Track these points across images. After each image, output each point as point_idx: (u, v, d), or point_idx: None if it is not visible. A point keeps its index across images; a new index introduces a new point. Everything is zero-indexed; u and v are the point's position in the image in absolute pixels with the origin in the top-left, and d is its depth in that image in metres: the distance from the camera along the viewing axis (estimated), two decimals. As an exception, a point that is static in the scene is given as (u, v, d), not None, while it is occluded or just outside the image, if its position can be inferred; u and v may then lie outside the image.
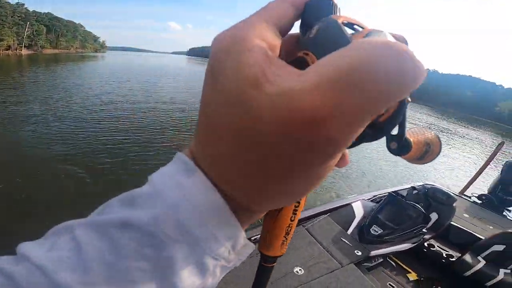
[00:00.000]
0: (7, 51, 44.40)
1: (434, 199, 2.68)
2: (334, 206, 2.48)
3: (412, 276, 2.35)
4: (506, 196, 3.54)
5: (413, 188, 2.86)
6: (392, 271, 2.38)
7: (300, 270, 1.63)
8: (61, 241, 0.15)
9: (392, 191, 2.80)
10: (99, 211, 0.16)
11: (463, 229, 2.74)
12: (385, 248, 2.12)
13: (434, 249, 2.51)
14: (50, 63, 26.23)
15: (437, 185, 3.30)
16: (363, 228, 2.18)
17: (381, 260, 2.27)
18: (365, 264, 2.12)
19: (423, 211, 2.28)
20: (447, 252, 2.49)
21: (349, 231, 2.17)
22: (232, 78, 0.13)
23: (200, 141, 0.15)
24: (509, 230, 2.40)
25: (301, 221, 2.10)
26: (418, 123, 20.55)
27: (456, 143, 15.48)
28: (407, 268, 2.45)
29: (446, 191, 2.85)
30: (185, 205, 0.14)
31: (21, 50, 47.93)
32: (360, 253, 1.94)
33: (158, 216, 0.14)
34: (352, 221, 2.27)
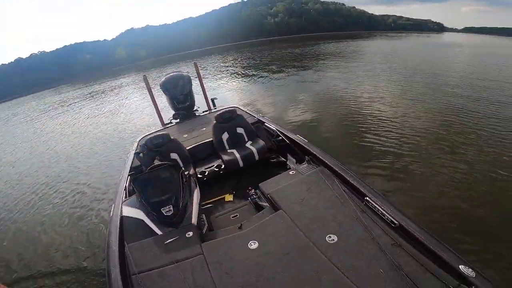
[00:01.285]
0: None
1: (157, 146, 2.78)
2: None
3: (229, 197, 2.61)
4: (182, 105, 4.13)
5: (137, 153, 2.77)
6: (219, 214, 2.38)
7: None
8: None
9: (131, 172, 2.71)
10: None
11: (196, 145, 3.08)
12: (194, 207, 1.99)
13: (206, 173, 2.76)
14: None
15: (144, 134, 3.57)
16: (162, 222, 1.89)
17: (197, 220, 2.05)
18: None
19: (167, 162, 2.22)
20: (214, 168, 2.79)
21: (159, 232, 1.85)
22: None
23: None
24: (212, 124, 3.01)
25: None
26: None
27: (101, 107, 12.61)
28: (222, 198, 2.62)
29: (154, 134, 2.96)
30: None
31: None
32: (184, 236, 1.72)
33: None
34: (147, 226, 1.91)
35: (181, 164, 2.78)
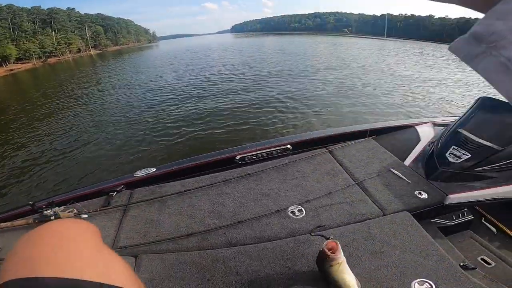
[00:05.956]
0: (78, 53, 47.88)
1: None
2: (384, 126, 1.60)
3: None
4: None
5: None
6: (489, 237, 1.24)
7: (299, 211, 1.05)
8: None
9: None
10: None
11: None
12: (477, 191, 1.10)
13: None
14: (122, 56, 31.14)
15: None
16: (433, 155, 1.28)
17: (471, 217, 1.19)
18: (441, 221, 1.15)
19: None
20: None
21: (407, 162, 1.32)
22: None
23: None
24: None
25: (324, 140, 1.46)
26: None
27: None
28: None
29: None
30: None
31: (90, 51, 51.37)
32: (424, 196, 1.09)
33: None
34: (414, 148, 1.40)
35: None
